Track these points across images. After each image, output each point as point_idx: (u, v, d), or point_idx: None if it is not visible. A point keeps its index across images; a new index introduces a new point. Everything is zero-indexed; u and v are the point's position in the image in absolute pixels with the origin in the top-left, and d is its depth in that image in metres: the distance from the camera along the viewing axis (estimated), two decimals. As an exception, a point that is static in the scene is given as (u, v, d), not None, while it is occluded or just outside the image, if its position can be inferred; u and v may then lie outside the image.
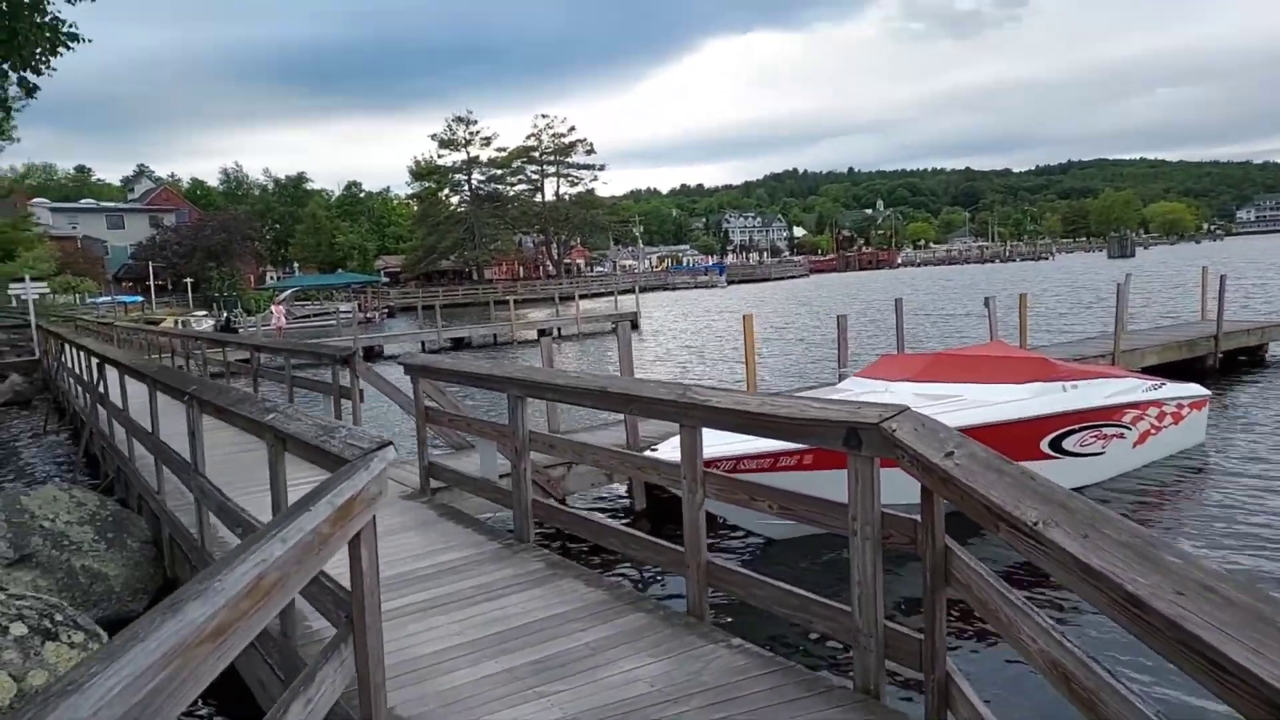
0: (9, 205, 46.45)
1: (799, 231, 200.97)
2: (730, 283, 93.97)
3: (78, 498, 6.87)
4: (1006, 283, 57.84)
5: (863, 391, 8.53)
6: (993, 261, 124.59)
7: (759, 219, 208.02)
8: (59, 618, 4.48)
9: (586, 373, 4.99)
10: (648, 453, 7.16)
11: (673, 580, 6.23)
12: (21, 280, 28.07)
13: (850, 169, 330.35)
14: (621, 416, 8.32)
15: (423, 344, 35.31)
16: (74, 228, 64.53)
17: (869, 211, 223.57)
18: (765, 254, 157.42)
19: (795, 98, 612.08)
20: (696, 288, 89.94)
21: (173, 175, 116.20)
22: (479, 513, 7.70)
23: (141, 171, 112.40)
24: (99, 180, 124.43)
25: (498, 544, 5.83)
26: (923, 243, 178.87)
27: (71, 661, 4.25)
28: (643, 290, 47.89)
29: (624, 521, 8.64)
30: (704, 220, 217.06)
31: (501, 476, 6.69)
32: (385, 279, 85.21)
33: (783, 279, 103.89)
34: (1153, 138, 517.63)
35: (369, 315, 57.91)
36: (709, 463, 4.25)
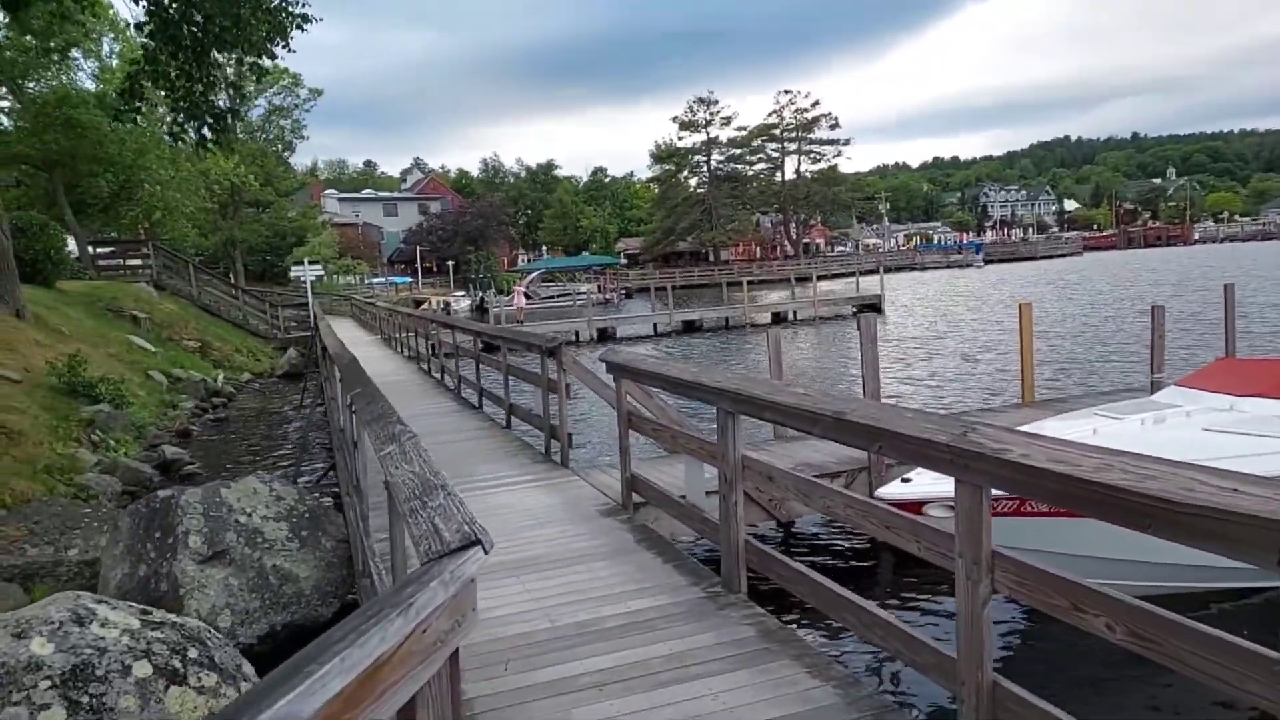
0: (304, 195, 52.53)
1: (1070, 205, 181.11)
2: (988, 262, 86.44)
3: (277, 491, 6.60)
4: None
5: (1197, 408, 6.41)
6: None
7: (1023, 192, 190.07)
8: (192, 653, 3.92)
9: (818, 392, 3.54)
10: (896, 490, 5.67)
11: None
12: (301, 263, 31.24)
13: (1134, 134, 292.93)
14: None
15: (655, 326, 35.15)
16: (356, 215, 71.83)
17: (1157, 181, 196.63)
18: (1030, 230, 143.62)
19: (1066, 59, 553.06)
20: (949, 267, 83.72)
21: (443, 166, 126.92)
22: (683, 535, 6.62)
23: (416, 164, 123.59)
24: (382, 173, 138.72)
25: (700, 591, 4.67)
26: (1226, 215, 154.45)
27: (196, 713, 3.64)
28: (888, 271, 44.63)
29: (865, 564, 7.18)
30: (959, 195, 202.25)
31: (709, 494, 5.52)
32: (624, 261, 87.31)
33: (1051, 257, 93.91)
34: None
35: (607, 296, 59.28)
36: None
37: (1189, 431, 5.94)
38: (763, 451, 7.77)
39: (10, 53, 25.53)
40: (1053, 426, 6.78)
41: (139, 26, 8.22)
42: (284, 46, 8.91)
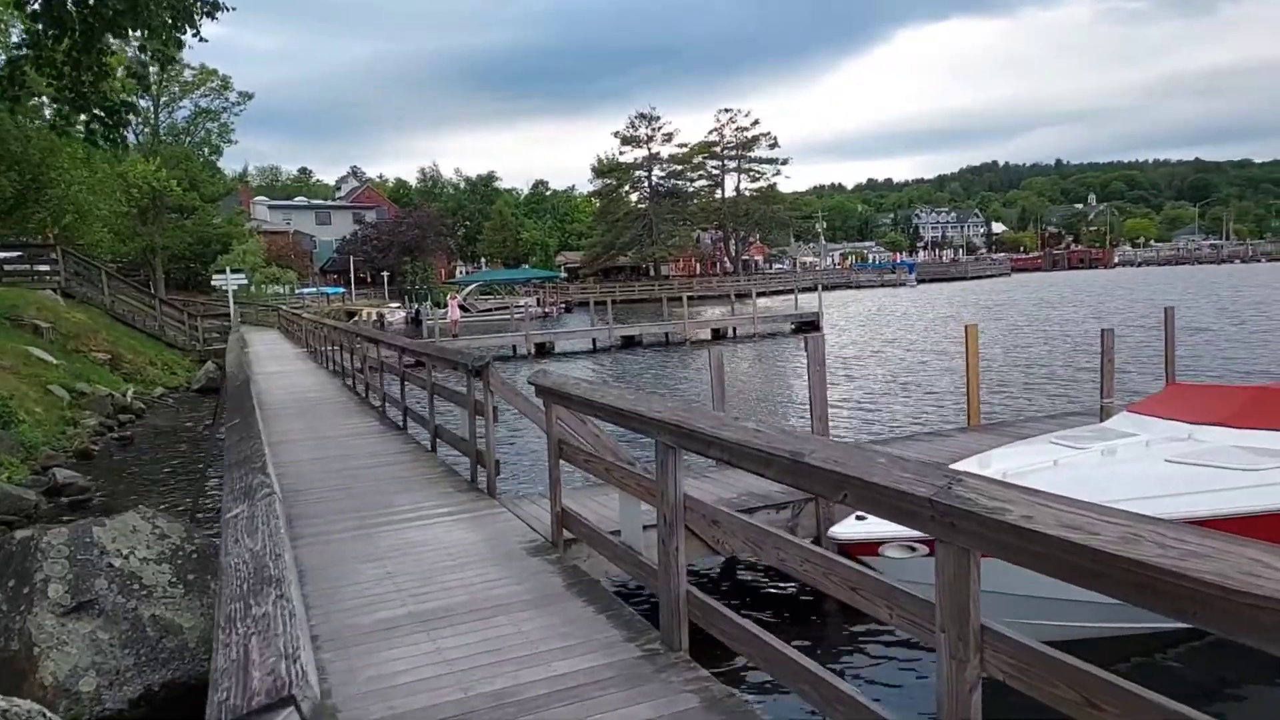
0: (232, 201, 50.64)
1: (998, 228, 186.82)
2: (921, 281, 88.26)
3: (161, 529, 5.85)
4: (1266, 288, 50.13)
5: (1155, 437, 6.14)
6: (1231, 262, 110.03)
7: (953, 214, 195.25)
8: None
9: (772, 428, 2.99)
10: (850, 529, 5.24)
11: None
12: (223, 271, 29.87)
13: (1058, 161, 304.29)
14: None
15: (594, 341, 34.62)
16: (287, 223, 69.78)
17: (1079, 206, 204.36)
18: (961, 251, 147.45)
19: (995, 87, 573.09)
20: (883, 286, 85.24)
21: (381, 176, 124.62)
22: (619, 574, 6.08)
23: (353, 172, 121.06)
24: (317, 181, 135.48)
25: (636, 649, 4.13)
26: (1142, 240, 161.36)
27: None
28: (824, 289, 45.00)
29: (822, 603, 6.73)
30: (892, 216, 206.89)
31: (647, 528, 4.98)
32: (565, 274, 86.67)
33: (980, 278, 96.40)
34: None
35: (547, 310, 58.55)
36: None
37: (1151, 464, 5.66)
38: (706, 481, 7.30)
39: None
40: (1005, 454, 6.47)
41: (18, 4, 7.40)
42: (193, 34, 8.15)
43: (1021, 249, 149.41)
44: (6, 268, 26.44)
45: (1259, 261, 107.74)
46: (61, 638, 5.00)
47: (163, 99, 36.90)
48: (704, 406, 16.21)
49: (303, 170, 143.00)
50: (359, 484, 8.06)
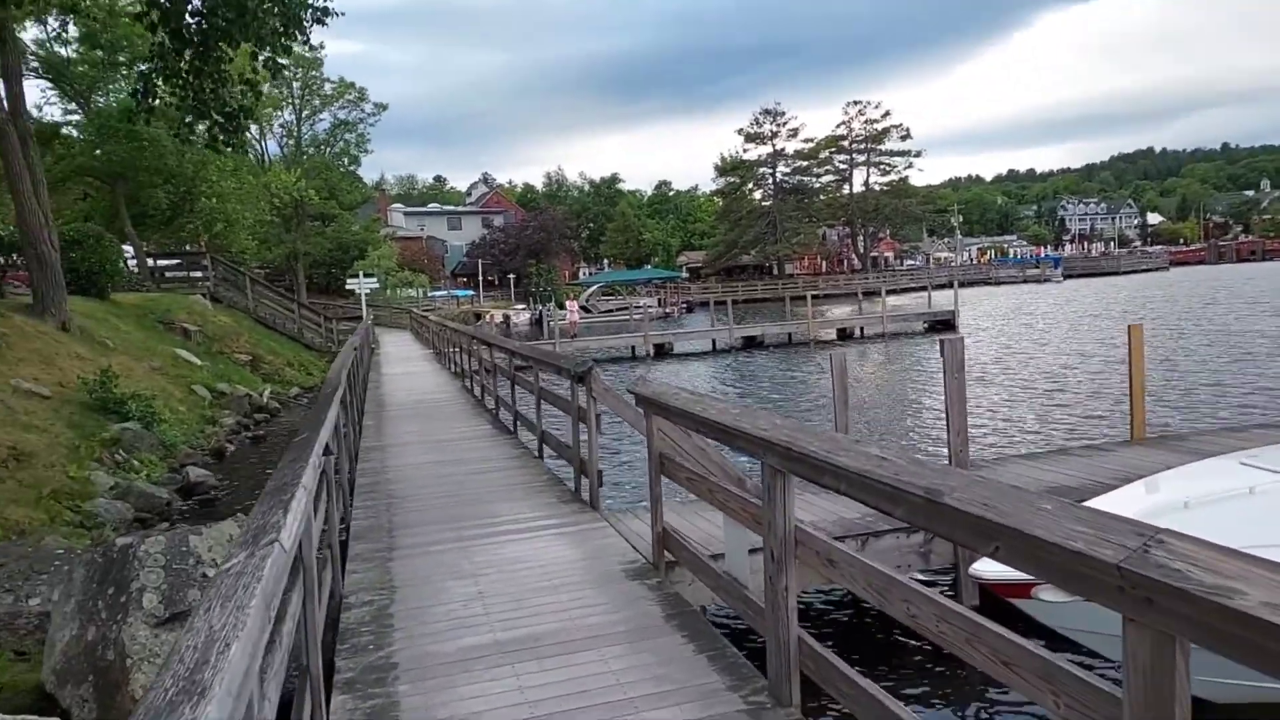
0: (370, 209, 53.10)
1: (1154, 218, 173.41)
2: (1068, 276, 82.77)
3: (259, 536, 5.76)
4: None
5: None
6: None
7: (1103, 205, 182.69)
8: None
9: (901, 455, 2.34)
10: (994, 569, 4.51)
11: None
12: (357, 276, 31.14)
13: (1224, 145, 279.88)
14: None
15: (714, 342, 34.02)
16: (421, 229, 72.50)
17: (1250, 194, 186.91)
18: (1112, 244, 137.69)
19: (1148, 69, 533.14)
20: (1026, 282, 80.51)
21: (509, 181, 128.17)
22: (724, 608, 5.54)
23: (483, 179, 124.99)
24: (451, 188, 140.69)
25: (740, 700, 3.61)
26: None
27: None
28: (960, 285, 42.59)
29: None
30: (1035, 208, 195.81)
31: (753, 551, 4.41)
32: (686, 274, 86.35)
33: (1134, 272, 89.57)
34: None
35: (668, 310, 58.40)
36: None
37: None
38: (825, 496, 6.64)
39: (82, 67, 25.94)
40: (1183, 476, 5.52)
41: (138, 16, 7.63)
42: (302, 41, 8.22)
43: (1182, 241, 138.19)
44: (167, 274, 28.43)
45: None
46: (154, 649, 4.92)
47: (305, 112, 38.94)
48: (822, 420, 15.25)
49: (437, 178, 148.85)
50: (465, 491, 7.87)
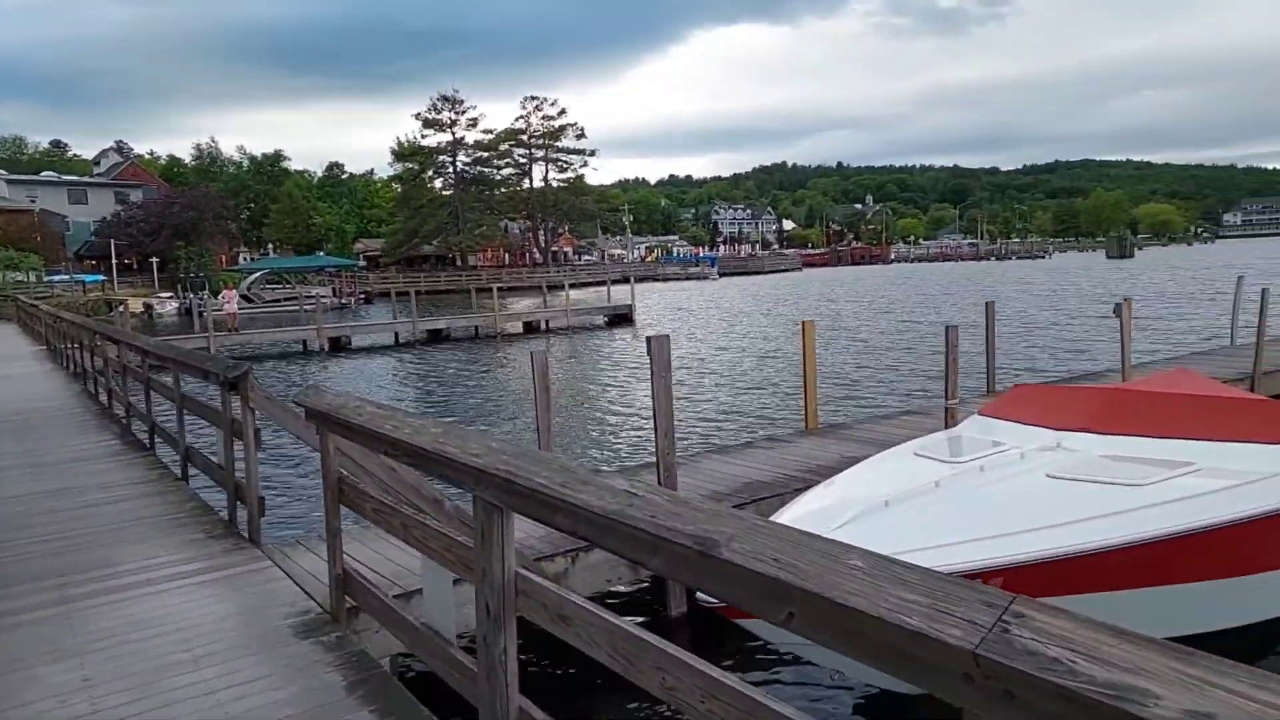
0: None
1: (788, 225, 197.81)
2: (721, 274, 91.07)
3: None
4: (1020, 282, 55.47)
5: (1025, 447, 5.65)
6: (988, 259, 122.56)
7: (748, 211, 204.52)
8: None
9: (653, 489, 1.71)
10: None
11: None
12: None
13: (839, 163, 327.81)
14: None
15: (396, 335, 32.28)
16: (32, 201, 60.55)
17: (859, 206, 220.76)
18: (756, 246, 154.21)
19: (784, 90, 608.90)
20: (688, 279, 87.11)
21: (151, 153, 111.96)
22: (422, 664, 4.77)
23: (117, 147, 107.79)
24: (74, 156, 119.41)
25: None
26: (913, 239, 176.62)
27: None
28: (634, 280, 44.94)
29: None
30: (693, 211, 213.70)
31: (458, 582, 3.69)
32: (363, 263, 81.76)
33: (775, 272, 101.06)
34: (1139, 139, 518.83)
35: (344, 301, 54.75)
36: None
37: (1036, 481, 5.13)
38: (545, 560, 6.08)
39: None
40: (873, 472, 5.76)
41: None
42: None
43: (809, 245, 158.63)
44: None
45: (1009, 259, 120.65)
46: None
47: None
48: (525, 424, 14.71)
49: (55, 143, 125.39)
50: (74, 531, 6.19)
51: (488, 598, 2.88)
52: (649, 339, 5.93)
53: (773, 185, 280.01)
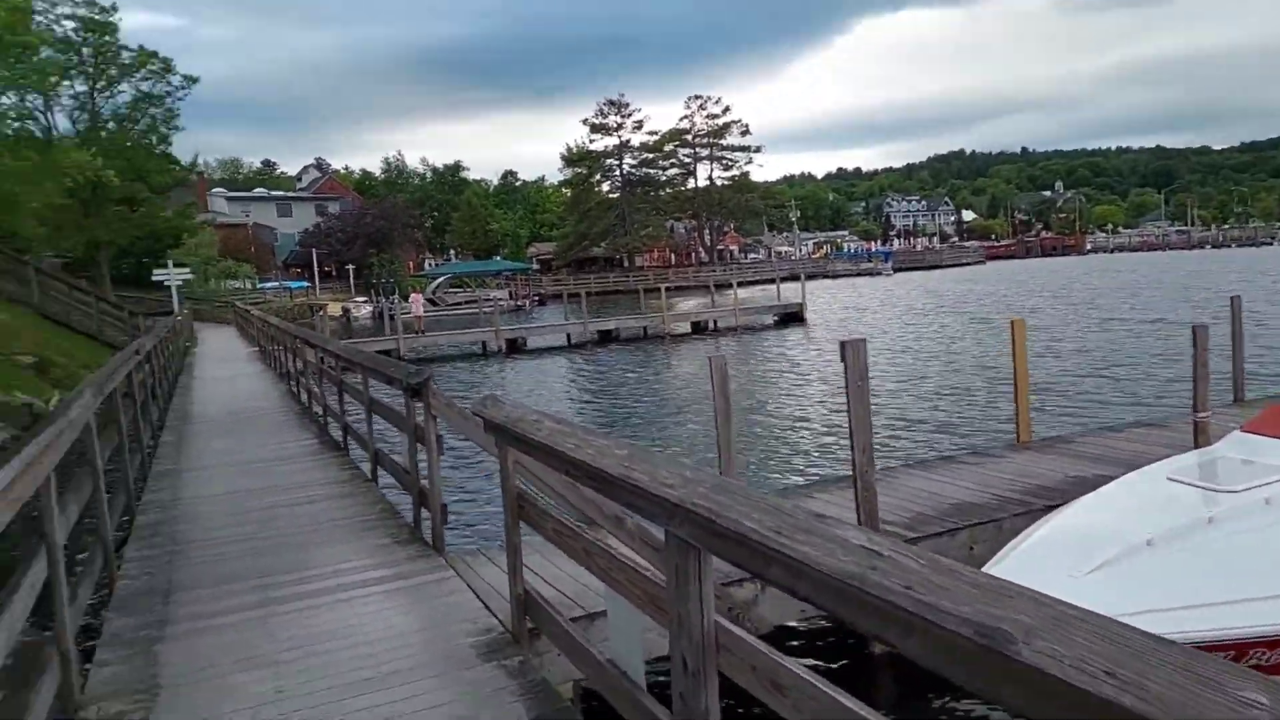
0: (186, 193, 48.08)
1: (968, 215, 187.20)
2: (896, 270, 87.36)
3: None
4: (1245, 273, 49.57)
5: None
6: (1202, 247, 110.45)
7: (923, 203, 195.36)
8: None
9: (901, 550, 1.17)
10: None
11: None
12: (165, 267, 27.70)
13: (1023, 149, 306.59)
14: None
15: (568, 337, 32.96)
16: (246, 215, 67.05)
17: (1047, 194, 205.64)
18: (934, 239, 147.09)
19: (958, 76, 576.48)
20: (859, 275, 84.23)
21: (345, 168, 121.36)
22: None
23: (316, 164, 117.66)
24: (281, 173, 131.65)
25: None
26: (1111, 227, 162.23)
27: None
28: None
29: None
30: (863, 204, 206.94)
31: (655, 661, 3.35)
32: (537, 266, 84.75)
33: (956, 265, 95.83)
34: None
35: (520, 303, 56.82)
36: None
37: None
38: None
39: None
40: (1123, 501, 4.94)
41: None
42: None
43: (993, 236, 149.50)
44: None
45: (1229, 247, 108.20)
46: None
47: (100, 83, 34.39)
48: (702, 428, 14.23)
49: (266, 163, 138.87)
50: (273, 530, 6.43)
51: (684, 650, 2.51)
52: (843, 344, 5.41)
53: (949, 174, 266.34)
